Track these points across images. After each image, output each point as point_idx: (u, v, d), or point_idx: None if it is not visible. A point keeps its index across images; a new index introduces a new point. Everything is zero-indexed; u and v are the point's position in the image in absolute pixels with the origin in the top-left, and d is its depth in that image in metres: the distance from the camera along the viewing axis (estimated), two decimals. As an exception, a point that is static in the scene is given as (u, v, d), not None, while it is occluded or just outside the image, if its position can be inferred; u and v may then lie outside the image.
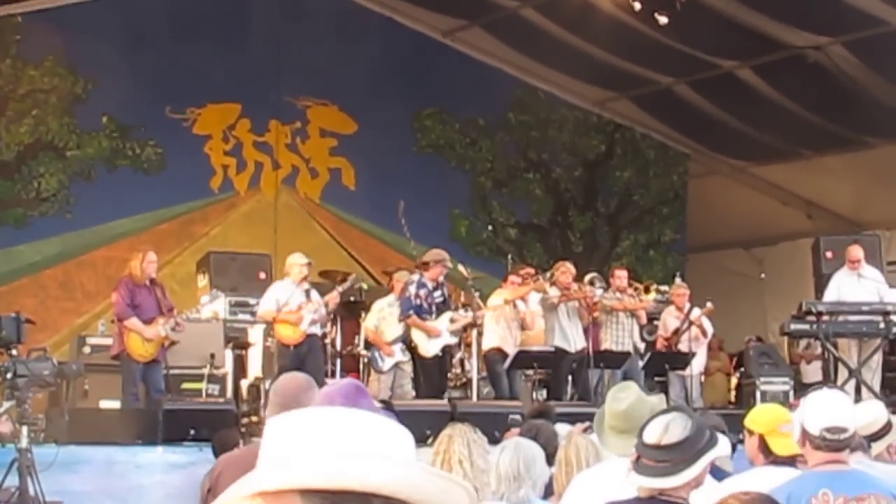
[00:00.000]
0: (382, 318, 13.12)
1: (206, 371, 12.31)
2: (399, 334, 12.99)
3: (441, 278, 13.16)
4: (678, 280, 15.44)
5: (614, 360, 13.76)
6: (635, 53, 16.74)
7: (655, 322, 14.78)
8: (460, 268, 13.61)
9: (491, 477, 4.97)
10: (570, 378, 13.76)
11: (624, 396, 4.89)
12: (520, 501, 4.89)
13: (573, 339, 13.64)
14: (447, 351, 13.38)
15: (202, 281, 14.29)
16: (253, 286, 13.32)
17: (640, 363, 13.96)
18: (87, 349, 13.00)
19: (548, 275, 13.82)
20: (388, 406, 10.36)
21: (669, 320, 14.48)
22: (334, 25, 17.57)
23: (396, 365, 13.03)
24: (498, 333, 13.27)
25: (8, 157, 15.96)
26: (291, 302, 12.32)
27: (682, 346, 14.11)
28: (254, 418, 11.64)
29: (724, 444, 4.13)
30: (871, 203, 18.00)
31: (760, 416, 4.95)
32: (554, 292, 13.69)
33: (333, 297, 12.63)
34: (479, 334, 13.32)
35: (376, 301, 13.49)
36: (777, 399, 13.42)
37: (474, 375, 13.37)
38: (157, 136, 16.75)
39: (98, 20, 16.02)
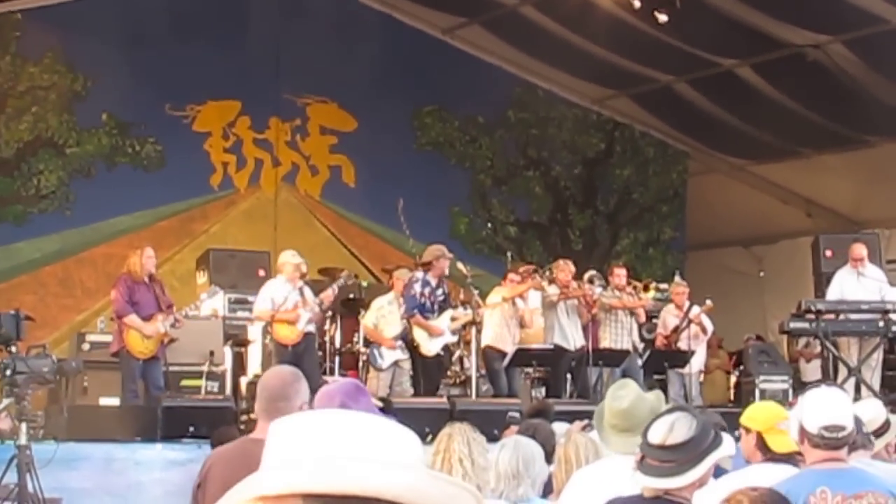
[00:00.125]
0: (382, 316, 13.12)
1: (205, 368, 12.31)
2: (398, 332, 12.99)
3: (446, 271, 13.16)
4: (677, 278, 15.45)
5: (613, 359, 13.76)
6: (635, 51, 16.75)
7: (655, 320, 14.79)
8: (459, 265, 13.61)
9: (490, 475, 4.97)
10: (569, 376, 13.76)
11: (624, 394, 4.89)
12: (519, 499, 4.89)
13: (572, 338, 13.64)
14: (447, 349, 13.40)
15: (201, 278, 14.29)
16: (252, 283, 13.31)
17: (640, 361, 13.97)
18: (86, 346, 13.00)
19: (546, 272, 13.83)
20: (386, 406, 10.37)
21: (669, 318, 14.48)
22: (334, 23, 17.56)
23: (395, 363, 13.03)
24: (496, 331, 13.27)
25: (7, 154, 15.96)
26: (287, 301, 12.29)
27: (682, 345, 14.12)
28: (253, 415, 11.63)
29: (728, 443, 4.13)
30: (871, 201, 18.00)
31: (757, 414, 4.96)
32: (553, 290, 13.70)
33: (328, 296, 12.61)
34: (479, 332, 13.33)
35: (376, 299, 13.49)
36: (776, 397, 13.42)
37: (473, 373, 13.38)
38: (156, 134, 16.74)
39: (97, 17, 16.02)
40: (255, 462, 1.51)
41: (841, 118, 16.85)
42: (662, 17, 14.60)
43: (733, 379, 16.90)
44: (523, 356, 13.19)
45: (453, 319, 13.20)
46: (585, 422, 7.08)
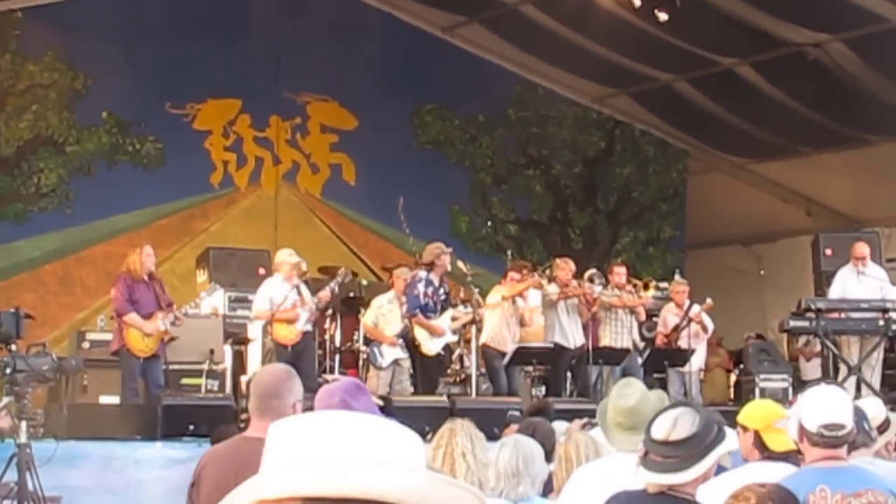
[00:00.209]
0: (382, 315, 13.11)
1: (205, 367, 12.31)
2: (398, 331, 12.99)
3: (448, 267, 13.15)
4: (677, 277, 15.45)
5: (613, 357, 13.76)
6: (635, 50, 16.75)
7: (655, 319, 14.79)
8: (459, 264, 13.61)
9: (490, 474, 4.97)
10: (569, 375, 13.76)
11: (630, 392, 4.89)
12: (519, 498, 4.90)
13: (572, 337, 13.65)
14: (447, 347, 13.40)
15: (201, 277, 14.29)
16: (252, 282, 13.30)
17: (640, 360, 13.97)
18: (86, 345, 13.00)
19: (546, 271, 13.84)
20: (386, 405, 10.37)
21: (669, 317, 14.48)
22: (334, 21, 17.56)
23: (395, 362, 13.02)
24: (496, 330, 13.27)
25: (7, 153, 15.96)
26: (286, 300, 12.28)
27: (682, 343, 14.12)
28: (253, 414, 11.62)
29: (731, 438, 4.13)
30: (871, 200, 18.00)
31: (755, 413, 4.96)
32: (552, 289, 13.70)
33: (325, 295, 12.60)
34: (479, 331, 13.33)
35: (376, 297, 13.48)
36: (776, 396, 13.43)
37: (473, 372, 13.37)
38: (156, 132, 16.75)
39: (97, 15, 16.02)
40: (248, 461, 1.49)
41: (841, 117, 16.85)
42: (663, 16, 14.61)
43: (733, 377, 16.90)
44: (523, 355, 13.19)
45: (454, 319, 13.20)
46: (585, 420, 7.09)
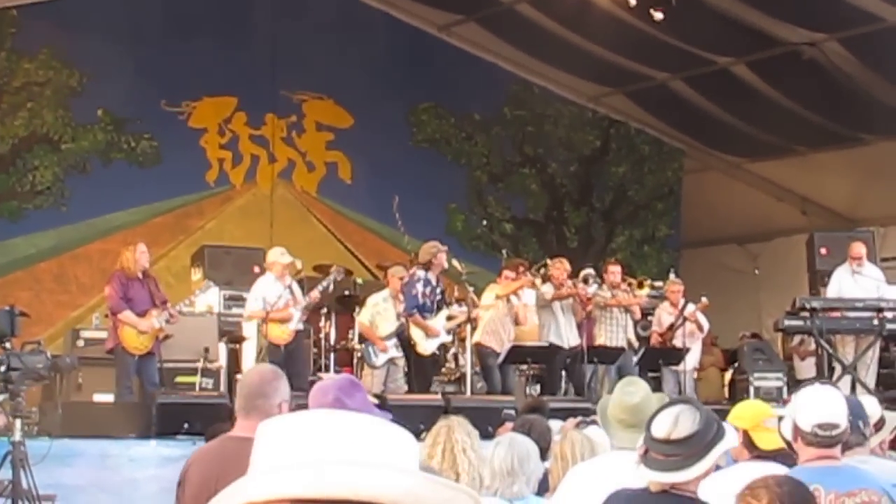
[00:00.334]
0: (377, 314, 13.11)
1: (200, 365, 12.30)
2: (393, 330, 12.98)
3: (445, 264, 13.15)
4: (672, 276, 15.46)
5: (608, 356, 13.77)
6: (631, 49, 16.75)
7: (650, 317, 14.79)
8: (454, 262, 13.61)
9: (485, 472, 4.98)
10: (563, 373, 13.77)
11: (634, 391, 4.90)
12: (514, 497, 4.90)
13: (567, 337, 13.66)
14: (441, 346, 13.40)
15: (196, 275, 14.28)
16: (247, 280, 13.28)
17: (635, 359, 13.98)
18: (81, 342, 12.99)
19: (540, 270, 13.84)
20: (382, 403, 10.36)
21: (663, 316, 14.49)
22: (330, 19, 17.54)
23: (390, 360, 13.02)
24: (490, 328, 13.27)
25: (3, 150, 15.95)
26: (280, 300, 12.27)
27: (677, 342, 14.12)
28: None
29: (731, 434, 4.13)
30: (866, 199, 18.02)
31: (744, 412, 4.97)
32: (547, 288, 13.72)
33: (314, 296, 12.60)
34: (474, 329, 13.33)
35: (371, 296, 13.48)
36: (771, 395, 13.45)
37: (468, 370, 13.37)
38: (152, 130, 16.73)
39: (94, 13, 16.01)
40: (232, 461, 1.46)
41: (836, 116, 16.86)
42: (658, 15, 14.61)
43: (727, 376, 16.90)
44: (518, 353, 13.19)
45: (449, 318, 13.20)
46: (579, 418, 7.09)
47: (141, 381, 11.53)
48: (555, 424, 7.07)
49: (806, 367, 15.57)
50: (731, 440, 4.09)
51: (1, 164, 15.96)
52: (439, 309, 13.07)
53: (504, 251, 16.61)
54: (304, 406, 4.28)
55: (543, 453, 5.61)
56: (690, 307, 14.23)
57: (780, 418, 4.89)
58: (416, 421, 10.24)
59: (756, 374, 14.04)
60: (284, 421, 1.46)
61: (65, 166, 16.26)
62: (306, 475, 1.37)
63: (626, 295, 14.24)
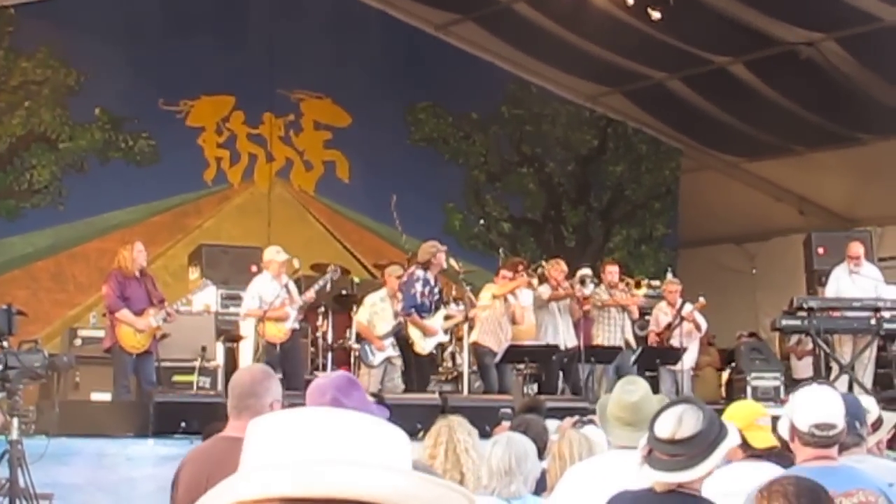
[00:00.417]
0: (375, 313, 13.11)
1: (197, 364, 12.30)
2: (390, 329, 12.98)
3: (444, 264, 13.14)
4: (670, 276, 15.46)
5: (604, 355, 13.77)
6: (628, 48, 16.75)
7: (647, 317, 14.80)
8: (451, 261, 13.61)
9: (483, 471, 4.98)
10: (560, 373, 13.78)
11: (634, 389, 4.90)
12: (511, 496, 4.89)
13: (564, 338, 13.68)
14: (438, 346, 13.40)
15: (194, 274, 14.27)
16: (244, 279, 13.28)
17: (632, 358, 13.98)
18: (78, 341, 12.98)
19: (537, 270, 13.85)
20: (381, 401, 10.35)
21: (660, 316, 14.49)
22: (328, 18, 17.55)
23: (387, 359, 13.01)
24: (487, 327, 13.27)
25: (0, 149, 15.93)
26: (275, 299, 12.27)
27: (674, 342, 14.12)
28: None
29: (734, 433, 4.13)
30: (863, 199, 18.03)
31: (737, 412, 4.98)
32: (543, 289, 13.73)
33: (310, 296, 12.60)
34: (471, 328, 13.33)
35: (368, 295, 13.48)
36: (768, 395, 13.46)
37: (465, 369, 13.38)
38: (150, 129, 16.72)
39: (91, 12, 16.00)
40: (222, 461, 1.44)
41: (834, 116, 16.87)
42: (656, 15, 14.63)
43: (724, 376, 16.90)
44: (515, 352, 13.19)
45: (447, 318, 13.19)
46: (576, 418, 7.09)
47: (138, 379, 11.53)
48: (551, 424, 7.07)
49: (803, 367, 15.57)
50: (734, 439, 4.09)
51: (-2, 163, 15.96)
52: (437, 309, 13.07)
53: (501, 250, 16.62)
54: (300, 405, 4.27)
55: (540, 453, 5.61)
56: (688, 307, 14.23)
57: (776, 418, 4.90)
58: (413, 420, 10.24)
59: (753, 374, 14.04)
60: (275, 419, 1.43)
61: (62, 165, 16.25)
62: (296, 474, 1.36)
63: (624, 295, 14.25)
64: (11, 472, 8.32)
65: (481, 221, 18.63)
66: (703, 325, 14.51)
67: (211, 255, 14.33)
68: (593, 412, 6.10)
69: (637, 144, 19.89)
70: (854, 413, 4.64)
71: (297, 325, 12.51)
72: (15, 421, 8.47)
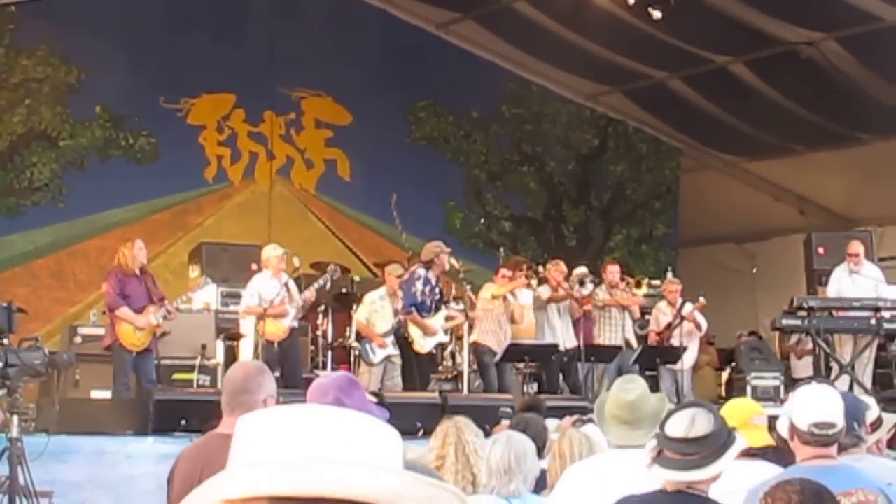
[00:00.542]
0: (374, 311, 13.11)
1: (197, 362, 12.30)
2: (390, 327, 12.98)
3: (446, 266, 13.13)
4: (670, 275, 15.47)
5: (604, 354, 13.78)
6: (629, 48, 16.76)
7: (647, 317, 14.80)
8: (452, 261, 13.62)
9: (482, 470, 4.98)
10: (560, 372, 13.78)
11: (632, 388, 4.90)
12: (511, 495, 4.90)
13: (563, 338, 13.68)
14: (438, 345, 13.40)
15: (194, 272, 14.28)
16: (244, 277, 13.29)
17: (632, 357, 13.99)
18: (78, 339, 13.00)
19: (539, 269, 13.85)
20: (381, 401, 10.36)
21: (661, 315, 14.49)
22: (329, 17, 17.56)
23: (387, 358, 13.01)
24: (486, 327, 13.28)
25: (0, 147, 15.93)
26: (275, 297, 12.27)
27: (674, 341, 14.13)
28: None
29: (741, 438, 4.13)
30: (863, 199, 18.03)
31: (733, 410, 4.99)
32: (542, 289, 13.73)
33: (309, 296, 12.60)
34: (471, 328, 13.33)
35: (367, 294, 13.48)
36: (768, 394, 13.47)
37: (465, 368, 13.38)
38: (150, 127, 16.72)
39: (92, 10, 16.01)
40: (214, 458, 1.42)
41: (834, 116, 16.87)
42: (656, 14, 14.62)
43: (725, 375, 16.92)
44: (515, 351, 13.20)
45: (448, 319, 13.19)
46: (576, 417, 7.10)
47: (138, 377, 11.53)
48: (551, 423, 7.08)
49: (802, 367, 15.57)
50: (741, 444, 4.09)
51: (-1, 161, 15.97)
52: (437, 309, 13.06)
53: (502, 249, 16.63)
54: (298, 403, 4.26)
55: (539, 452, 5.61)
56: (688, 306, 14.23)
57: (774, 417, 4.91)
58: (414, 419, 10.27)
59: (753, 374, 14.05)
60: (264, 416, 1.41)
61: (63, 163, 16.25)
62: (284, 472, 1.34)
63: (625, 294, 14.25)
64: (11, 469, 8.33)
65: (482, 220, 18.64)
66: (704, 324, 14.51)
67: (211, 253, 14.34)
68: (593, 411, 6.10)
69: (637, 144, 19.89)
70: (852, 414, 4.64)
71: (296, 324, 12.52)
72: (15, 418, 8.48)
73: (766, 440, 4.78)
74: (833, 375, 13.36)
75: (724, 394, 16.22)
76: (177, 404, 10.82)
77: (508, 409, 10.08)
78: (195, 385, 12.17)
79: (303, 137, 17.89)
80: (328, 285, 12.99)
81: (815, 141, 17.70)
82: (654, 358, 14.13)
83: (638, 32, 15.76)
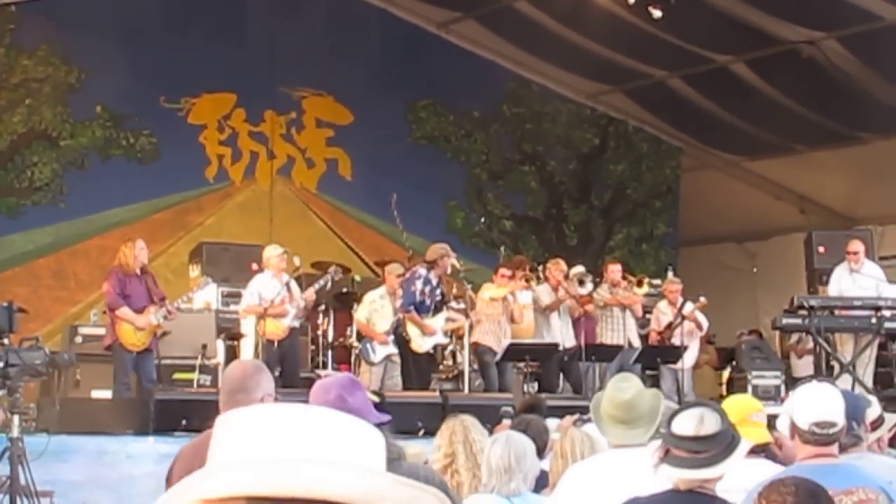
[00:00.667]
0: (374, 310, 13.11)
1: (197, 361, 12.31)
2: (390, 327, 12.98)
3: (448, 270, 13.13)
4: (670, 275, 15.46)
5: (605, 354, 13.78)
6: (629, 47, 16.75)
7: (648, 316, 14.81)
8: (453, 261, 13.61)
9: (482, 470, 4.98)
10: (561, 372, 13.78)
11: (627, 387, 4.89)
12: (511, 494, 4.90)
13: (562, 338, 13.68)
14: (437, 346, 13.38)
15: (194, 271, 14.29)
16: (245, 277, 13.30)
17: (633, 356, 13.99)
18: (79, 339, 13.00)
19: (540, 269, 13.86)
20: (382, 402, 10.35)
21: (661, 315, 14.49)
22: (329, 16, 17.55)
23: (387, 357, 13.01)
24: (486, 327, 13.27)
25: (1, 147, 15.93)
26: (276, 296, 12.28)
27: (675, 341, 14.13)
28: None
29: (745, 442, 4.13)
30: (864, 198, 18.03)
31: (731, 407, 4.98)
32: (543, 289, 13.73)
33: (310, 296, 12.60)
34: (472, 327, 13.33)
35: (367, 293, 13.48)
36: (769, 393, 13.47)
37: (466, 368, 13.38)
38: (151, 126, 16.72)
39: (92, 9, 16.00)
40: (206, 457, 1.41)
41: (835, 115, 16.86)
42: (657, 13, 14.62)
43: (726, 374, 16.91)
44: (516, 351, 13.20)
45: (448, 321, 13.18)
46: (576, 416, 7.10)
47: (139, 377, 11.54)
48: (552, 423, 7.08)
49: (803, 366, 15.58)
50: (747, 445, 4.09)
51: (-1, 161, 15.97)
52: (438, 310, 13.04)
53: (503, 248, 16.63)
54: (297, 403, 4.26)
55: (540, 452, 5.61)
56: (689, 306, 14.24)
57: (774, 416, 4.90)
58: (414, 418, 10.28)
59: (754, 373, 14.05)
60: (244, 414, 1.39)
61: (63, 163, 16.25)
62: (262, 472, 1.31)
63: (627, 293, 14.25)
64: (12, 469, 8.34)
65: (483, 220, 18.64)
66: (705, 324, 14.51)
67: (212, 252, 14.34)
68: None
69: (638, 143, 19.89)
70: (851, 413, 4.64)
71: (296, 324, 12.52)
72: (16, 418, 8.49)
73: (765, 437, 4.77)
74: (834, 375, 13.35)
75: (724, 392, 16.22)
76: (177, 404, 10.83)
77: (510, 409, 10.09)
78: (196, 385, 12.17)
79: (304, 137, 17.89)
80: (328, 286, 12.99)
81: (815, 140, 17.69)
82: (655, 357, 14.13)
83: (638, 32, 15.76)
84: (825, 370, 13.66)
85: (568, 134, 19.52)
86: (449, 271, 13.23)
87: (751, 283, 19.15)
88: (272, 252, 12.51)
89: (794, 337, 15.77)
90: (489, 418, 9.35)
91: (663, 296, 14.64)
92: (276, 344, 12.20)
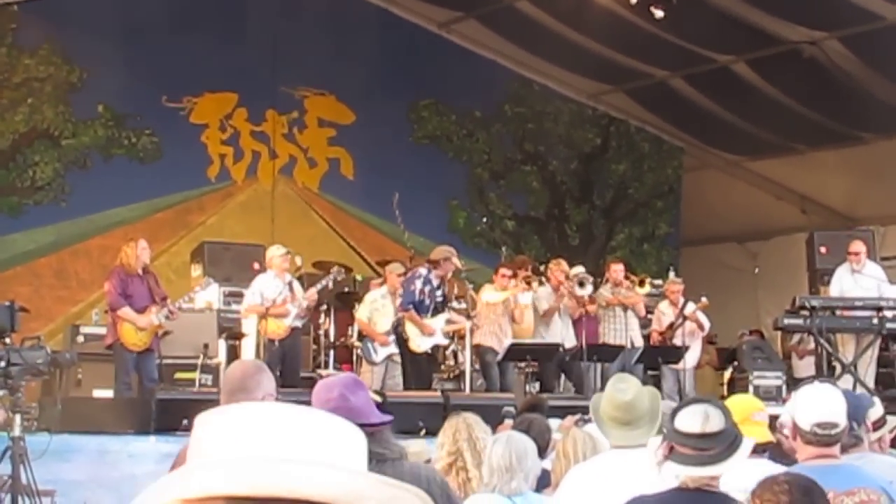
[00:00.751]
0: (375, 310, 13.12)
1: (199, 361, 12.30)
2: (390, 326, 12.98)
3: (450, 274, 13.11)
4: (672, 275, 15.46)
5: (607, 354, 13.78)
6: (631, 47, 16.75)
7: (649, 316, 14.80)
8: (455, 260, 13.61)
9: (483, 469, 4.99)
10: (562, 372, 13.78)
11: (626, 387, 4.89)
12: (512, 493, 4.91)
13: (563, 338, 13.67)
14: (437, 347, 13.36)
15: (196, 271, 14.29)
16: (247, 276, 13.31)
17: (635, 357, 13.98)
18: (80, 338, 13.00)
19: (542, 269, 13.85)
20: (384, 402, 10.35)
21: (662, 315, 14.49)
22: (331, 16, 17.56)
23: (389, 357, 13.01)
24: (487, 328, 13.27)
25: (3, 146, 15.94)
26: (278, 296, 12.28)
27: (676, 341, 14.13)
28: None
29: (748, 441, 4.13)
30: (865, 198, 18.02)
31: (733, 406, 4.97)
32: (543, 291, 13.72)
33: (311, 295, 12.60)
34: (472, 331, 13.31)
35: (369, 292, 13.48)
36: (770, 393, 13.46)
37: (467, 368, 13.37)
38: (153, 125, 16.73)
39: (94, 9, 16.01)
40: None
41: (836, 115, 16.86)
42: (658, 13, 14.62)
43: (725, 375, 16.89)
44: (517, 350, 13.19)
45: (448, 322, 13.17)
46: (578, 416, 7.10)
47: (140, 377, 11.55)
48: (553, 423, 7.08)
49: (804, 366, 15.57)
50: (750, 442, 4.08)
51: (1, 160, 15.95)
52: (438, 311, 13.02)
53: (504, 248, 16.62)
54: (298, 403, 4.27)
55: (542, 451, 5.62)
56: (690, 306, 14.23)
57: (777, 417, 4.90)
58: (416, 418, 10.28)
59: (756, 373, 14.04)
60: (225, 413, 1.37)
61: (65, 162, 16.26)
62: (241, 472, 1.30)
63: (629, 293, 14.24)
64: (13, 468, 8.34)
65: (485, 219, 18.65)
66: (706, 324, 14.51)
67: (213, 252, 14.35)
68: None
69: (639, 143, 19.89)
70: (852, 413, 4.64)
71: (297, 323, 12.52)
72: (17, 417, 8.49)
73: (767, 437, 4.77)
74: (835, 375, 13.35)
75: (726, 393, 16.21)
76: (179, 403, 10.82)
77: (512, 409, 10.09)
78: (197, 384, 12.18)
79: (305, 136, 17.89)
80: (330, 285, 12.99)
81: (817, 140, 17.69)
82: (657, 357, 14.13)
83: (640, 31, 15.76)
84: (826, 371, 13.66)
85: (569, 134, 19.52)
86: (450, 275, 13.21)
87: (752, 283, 19.14)
88: (276, 252, 12.51)
89: (796, 337, 15.76)
90: (491, 418, 9.33)
91: (665, 296, 14.64)
92: (277, 343, 12.19)
